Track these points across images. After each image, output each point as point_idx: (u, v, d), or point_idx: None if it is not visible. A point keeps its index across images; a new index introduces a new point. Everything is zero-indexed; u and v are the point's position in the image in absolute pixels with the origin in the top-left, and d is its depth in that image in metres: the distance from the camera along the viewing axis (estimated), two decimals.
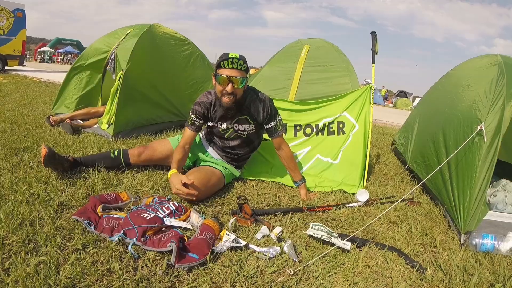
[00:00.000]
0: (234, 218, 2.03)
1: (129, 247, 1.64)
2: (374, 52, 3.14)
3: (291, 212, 2.30)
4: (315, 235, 1.97)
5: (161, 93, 4.48)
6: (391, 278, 1.73)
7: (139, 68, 4.08)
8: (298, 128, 3.31)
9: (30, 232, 1.71)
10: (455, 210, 2.34)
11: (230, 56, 2.31)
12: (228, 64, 2.30)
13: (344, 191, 2.87)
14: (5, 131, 3.52)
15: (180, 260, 1.58)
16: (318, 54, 3.87)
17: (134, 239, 1.69)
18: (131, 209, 2.01)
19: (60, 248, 1.64)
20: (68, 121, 3.94)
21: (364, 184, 2.97)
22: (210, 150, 2.83)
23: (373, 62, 3.14)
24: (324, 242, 1.96)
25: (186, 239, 1.74)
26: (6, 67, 12.23)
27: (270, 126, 2.63)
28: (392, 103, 22.86)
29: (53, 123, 4.04)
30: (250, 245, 1.84)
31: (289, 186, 2.90)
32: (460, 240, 2.19)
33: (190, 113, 2.58)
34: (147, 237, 1.72)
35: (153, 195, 2.23)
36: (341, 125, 3.22)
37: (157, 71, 4.46)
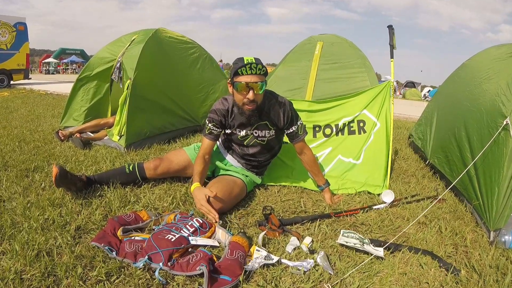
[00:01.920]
0: (263, 232, 1.91)
1: (156, 273, 1.52)
2: (392, 47, 2.99)
3: (318, 219, 2.21)
4: (347, 244, 1.87)
5: (172, 99, 4.35)
6: (428, 284, 1.66)
7: (147, 75, 3.96)
8: (317, 129, 3.15)
9: (49, 264, 1.59)
10: (483, 207, 2.26)
11: (246, 61, 2.16)
12: (246, 71, 2.14)
13: (369, 192, 2.75)
14: (14, 151, 3.42)
15: (213, 285, 1.46)
16: (332, 50, 3.69)
17: (161, 263, 1.57)
18: (153, 229, 1.89)
19: (83, 280, 1.54)
20: (78, 135, 3.83)
21: (388, 183, 2.83)
22: (229, 157, 2.70)
23: (392, 57, 2.99)
24: (357, 250, 1.87)
25: (215, 259, 1.62)
26: (12, 82, 12.15)
27: (291, 131, 2.49)
28: (401, 94, 22.59)
29: (62, 137, 3.93)
30: (283, 260, 1.72)
31: (312, 190, 2.78)
32: (489, 238, 2.11)
33: (207, 122, 2.44)
34: (174, 260, 1.60)
35: (174, 211, 2.10)
36: (361, 124, 3.06)
37: (166, 77, 4.34)
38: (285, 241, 1.94)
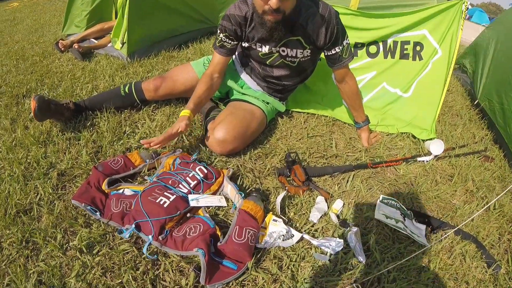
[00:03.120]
0: (282, 194, 1.45)
1: (144, 249, 1.17)
2: None
3: (352, 171, 1.75)
4: (386, 222, 1.43)
5: None
6: (467, 284, 1.33)
7: None
8: (359, 46, 2.41)
9: (27, 229, 1.34)
10: None
11: None
12: None
13: (413, 136, 2.17)
14: (10, 71, 3.05)
15: (213, 276, 1.09)
16: None
17: (150, 237, 1.20)
18: (145, 181, 1.48)
19: (63, 248, 1.27)
20: (76, 45, 3.34)
21: (435, 125, 2.20)
22: (247, 78, 2.10)
23: None
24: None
25: (219, 234, 1.22)
26: None
27: (333, 52, 1.80)
28: None
29: (62, 48, 3.48)
30: (305, 236, 1.32)
31: (345, 123, 2.23)
32: None
33: (218, 31, 1.83)
34: (167, 232, 1.22)
35: (174, 153, 1.67)
36: (418, 48, 2.29)
37: None
38: (309, 202, 1.51)
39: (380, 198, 1.54)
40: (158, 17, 3.37)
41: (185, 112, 1.70)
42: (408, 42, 2.30)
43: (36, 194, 1.51)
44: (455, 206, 1.67)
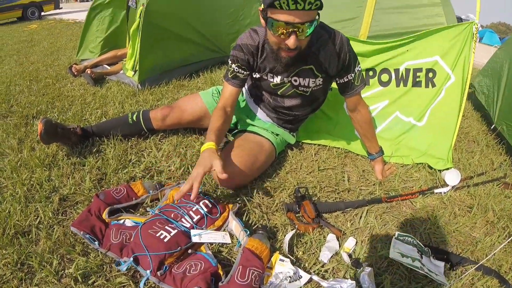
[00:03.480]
0: (291, 233, 1.40)
1: (141, 285, 1.12)
2: None
3: (366, 206, 1.68)
4: (401, 261, 1.34)
5: (193, 27, 3.67)
6: None
7: (163, 0, 3.31)
8: (370, 73, 2.37)
9: (24, 251, 1.32)
10: None
11: None
12: (287, 4, 1.31)
13: (429, 166, 2.10)
14: (22, 91, 3.11)
15: None
16: None
17: (148, 272, 1.15)
18: (148, 211, 1.46)
19: (58, 275, 1.24)
20: (89, 71, 3.40)
21: (451, 155, 2.13)
22: (256, 108, 2.08)
23: None
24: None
25: (221, 273, 1.17)
26: (43, 13, 11.92)
27: (346, 80, 1.77)
28: None
29: (75, 73, 3.56)
30: (314, 277, 1.24)
31: (357, 155, 2.19)
32: None
33: (230, 62, 1.76)
34: (166, 267, 1.17)
35: (178, 184, 1.65)
36: (430, 74, 2.25)
37: (186, 1, 3.61)
38: (319, 240, 1.45)
39: (396, 235, 1.47)
40: (170, 46, 3.44)
41: (210, 144, 1.54)
42: (420, 70, 2.26)
43: (36, 217, 1.50)
44: (475, 240, 1.59)
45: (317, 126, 2.35)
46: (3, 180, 1.75)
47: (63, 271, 1.25)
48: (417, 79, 2.26)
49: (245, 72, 1.76)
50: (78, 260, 1.26)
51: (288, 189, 1.77)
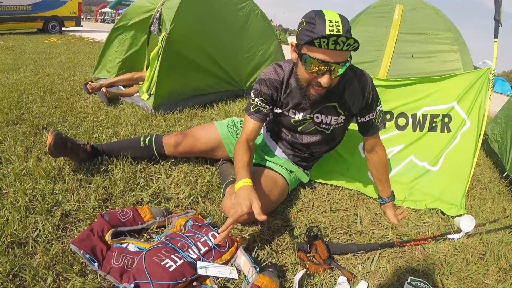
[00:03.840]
0: (302, 272, 1.34)
1: None
2: (498, 22, 2.13)
3: (378, 249, 1.63)
4: None
5: (212, 58, 3.75)
6: None
7: (185, 29, 3.40)
8: (388, 117, 2.39)
9: (18, 262, 1.25)
10: None
11: (329, 28, 1.34)
12: (327, 44, 1.33)
13: (442, 212, 2.07)
14: (35, 101, 3.11)
15: None
16: (415, 17, 2.89)
17: None
18: (153, 238, 1.40)
19: None
20: (104, 89, 3.42)
21: (464, 201, 2.12)
22: (272, 144, 2.07)
23: (496, 36, 2.10)
24: None
25: None
26: (63, 28, 12.30)
27: (367, 119, 1.78)
28: None
29: (90, 90, 3.58)
30: None
31: (370, 197, 2.15)
32: None
33: (252, 96, 1.75)
34: None
35: (187, 213, 1.60)
36: (446, 119, 2.27)
37: (208, 33, 3.73)
38: (330, 283, 1.39)
39: (408, 280, 1.41)
40: (187, 74, 3.49)
41: (247, 181, 1.51)
42: (437, 116, 2.28)
43: (35, 229, 1.44)
44: (488, 287, 1.54)
45: (331, 167, 2.34)
46: (5, 187, 1.71)
47: None
48: (433, 124, 2.29)
49: (267, 107, 1.76)
50: (75, 280, 1.20)
51: (299, 227, 1.72)
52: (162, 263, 1.18)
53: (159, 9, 3.65)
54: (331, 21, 1.35)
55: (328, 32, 1.33)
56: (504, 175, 2.82)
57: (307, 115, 1.78)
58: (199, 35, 3.60)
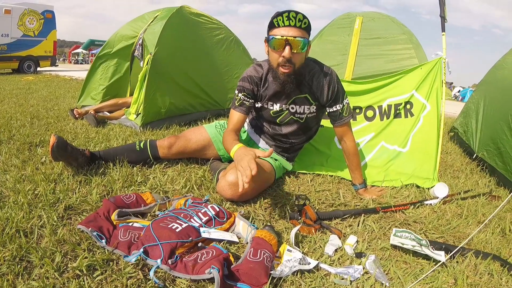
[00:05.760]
0: (297, 227, 1.47)
1: (151, 273, 1.13)
2: (443, 19, 2.50)
3: (362, 214, 1.79)
4: (403, 246, 1.45)
5: (193, 80, 3.98)
6: None
7: (168, 52, 3.62)
8: (357, 111, 2.70)
9: (24, 247, 1.27)
10: None
11: (285, 14, 1.72)
12: (283, 21, 1.72)
13: (417, 186, 2.30)
14: (24, 126, 3.17)
15: None
16: (374, 25, 3.30)
17: (159, 260, 1.17)
18: (156, 216, 1.50)
19: (60, 270, 1.19)
20: (93, 112, 3.52)
21: (437, 175, 2.37)
22: (256, 138, 2.31)
23: (443, 30, 2.51)
24: (415, 253, 1.46)
25: (232, 260, 1.21)
26: (39, 68, 12.38)
27: (334, 109, 2.06)
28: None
29: (77, 115, 3.68)
30: (322, 265, 1.31)
31: (350, 181, 2.32)
32: None
33: (237, 92, 2.05)
34: (177, 257, 1.20)
35: (185, 196, 1.71)
36: (408, 106, 2.59)
37: (188, 57, 3.97)
38: (323, 239, 1.52)
39: (393, 232, 1.54)
40: (172, 94, 3.68)
41: (241, 145, 1.73)
42: (400, 104, 2.59)
43: (39, 221, 1.47)
44: (469, 235, 1.66)
45: (312, 160, 2.56)
46: (5, 191, 1.74)
47: (65, 267, 1.20)
48: (398, 112, 2.58)
49: (250, 100, 2.05)
50: (83, 256, 1.23)
51: (289, 203, 1.87)
52: (169, 226, 1.28)
53: (141, 36, 3.85)
54: (287, 11, 1.72)
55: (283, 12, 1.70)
56: (474, 157, 3.11)
57: (283, 106, 2.06)
58: (181, 60, 3.81)
